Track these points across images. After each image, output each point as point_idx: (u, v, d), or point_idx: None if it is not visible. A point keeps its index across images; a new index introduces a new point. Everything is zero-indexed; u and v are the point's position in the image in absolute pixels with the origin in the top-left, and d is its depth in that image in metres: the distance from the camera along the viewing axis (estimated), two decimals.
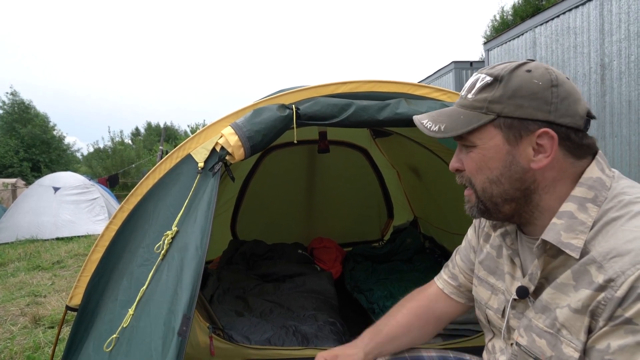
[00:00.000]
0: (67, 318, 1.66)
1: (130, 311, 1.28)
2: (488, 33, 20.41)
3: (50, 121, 30.58)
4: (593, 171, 0.84)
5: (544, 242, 0.84)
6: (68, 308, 1.50)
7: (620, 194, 0.81)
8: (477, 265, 1.12)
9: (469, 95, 0.89)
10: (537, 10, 14.19)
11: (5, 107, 28.49)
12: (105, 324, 1.33)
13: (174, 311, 1.24)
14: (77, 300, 1.48)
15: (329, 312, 2.61)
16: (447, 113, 0.91)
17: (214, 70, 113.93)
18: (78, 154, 35.99)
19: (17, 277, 5.38)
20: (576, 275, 0.79)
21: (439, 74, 10.97)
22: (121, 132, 30.31)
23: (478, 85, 0.88)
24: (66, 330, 2.87)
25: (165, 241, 1.35)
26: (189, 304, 1.23)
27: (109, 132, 39.84)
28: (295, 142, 1.60)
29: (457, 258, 1.23)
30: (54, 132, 30.37)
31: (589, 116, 0.85)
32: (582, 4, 6.26)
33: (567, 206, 0.83)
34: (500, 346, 1.02)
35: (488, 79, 0.87)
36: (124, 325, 1.26)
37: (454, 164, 0.94)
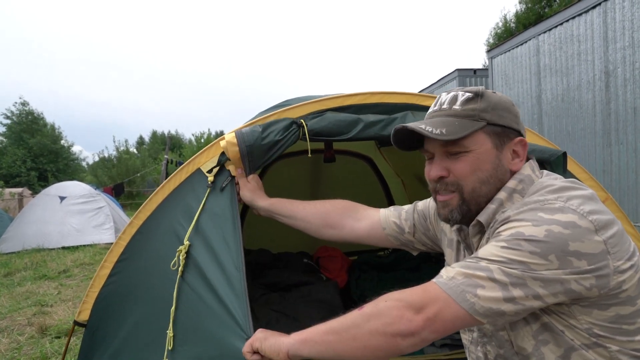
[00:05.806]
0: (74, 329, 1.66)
1: (170, 333, 1.27)
2: (491, 41, 20.47)
3: (60, 131, 30.85)
4: (526, 169, 1.02)
5: (479, 222, 1.00)
6: (76, 323, 1.50)
7: (540, 182, 0.99)
8: (447, 252, 1.25)
9: (455, 107, 1.00)
10: (540, 18, 14.21)
11: (13, 117, 28.77)
12: (142, 349, 1.32)
13: (225, 338, 1.23)
14: (85, 316, 1.48)
15: None
16: (440, 121, 0.99)
17: (219, 79, 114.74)
18: (83, 164, 36.24)
19: (23, 286, 5.40)
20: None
21: (442, 82, 10.98)
22: (126, 141, 30.44)
23: (461, 98, 1.00)
24: (72, 341, 2.88)
25: (180, 257, 1.35)
26: (247, 326, 1.24)
27: (114, 141, 39.76)
28: (310, 155, 1.61)
29: (416, 215, 1.34)
30: (62, 142, 30.64)
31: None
32: (586, 12, 6.26)
33: (500, 194, 0.99)
34: (468, 336, 1.13)
35: (468, 94, 1.00)
36: (169, 348, 1.26)
37: (438, 172, 1.01)
